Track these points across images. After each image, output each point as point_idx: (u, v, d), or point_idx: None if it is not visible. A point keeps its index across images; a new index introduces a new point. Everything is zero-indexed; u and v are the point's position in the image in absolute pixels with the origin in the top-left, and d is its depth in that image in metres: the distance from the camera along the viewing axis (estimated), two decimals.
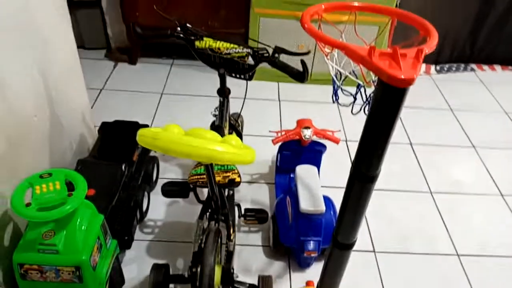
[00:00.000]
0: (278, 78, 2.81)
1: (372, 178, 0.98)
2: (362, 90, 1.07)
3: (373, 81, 1.01)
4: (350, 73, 1.10)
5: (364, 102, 1.03)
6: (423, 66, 3.11)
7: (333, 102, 1.16)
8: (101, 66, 2.87)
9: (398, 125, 2.56)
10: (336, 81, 1.09)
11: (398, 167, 2.28)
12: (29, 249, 1.25)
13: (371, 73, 0.94)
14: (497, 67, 3.25)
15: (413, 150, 2.40)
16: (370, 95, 0.97)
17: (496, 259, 1.84)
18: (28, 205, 1.19)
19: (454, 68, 3.18)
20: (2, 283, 1.31)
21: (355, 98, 1.07)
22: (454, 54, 3.16)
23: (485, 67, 3.23)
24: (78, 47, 1.86)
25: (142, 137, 0.95)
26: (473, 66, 3.22)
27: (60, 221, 1.25)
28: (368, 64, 0.83)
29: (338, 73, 1.14)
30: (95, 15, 2.84)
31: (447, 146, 2.46)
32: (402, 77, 0.79)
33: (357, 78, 1.07)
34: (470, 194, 2.15)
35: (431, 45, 0.90)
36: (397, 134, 2.49)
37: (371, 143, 0.93)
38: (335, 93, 1.13)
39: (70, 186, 1.26)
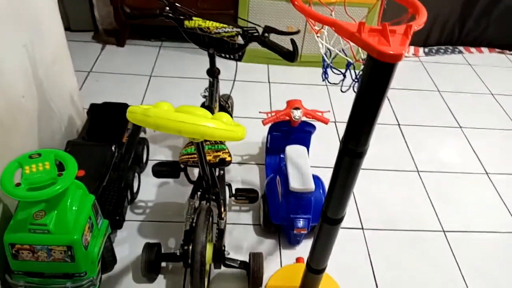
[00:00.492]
0: (269, 60, 2.81)
1: (361, 154, 1.00)
2: (352, 68, 1.08)
3: (362, 59, 1.02)
4: (340, 51, 1.11)
5: (353, 80, 1.03)
6: (412, 48, 3.13)
7: (323, 80, 1.16)
8: (89, 48, 2.83)
9: (386, 106, 2.59)
10: (326, 59, 1.10)
11: (386, 147, 2.31)
12: (20, 229, 1.25)
13: (361, 50, 0.95)
14: (485, 50, 3.28)
15: (401, 131, 2.43)
16: (359, 73, 0.98)
17: (480, 235, 1.90)
18: (17, 185, 1.18)
19: (442, 51, 3.20)
20: None
21: (344, 76, 1.08)
22: (443, 37, 3.18)
23: (473, 49, 3.26)
24: (65, 29, 1.83)
25: (132, 114, 0.95)
26: (461, 48, 3.24)
27: (51, 201, 1.25)
28: (358, 40, 0.83)
29: (328, 51, 1.15)
30: None
31: (434, 127, 2.49)
32: (391, 52, 0.80)
33: (347, 56, 1.08)
34: (456, 173, 2.20)
35: (420, 22, 0.91)
36: (385, 115, 2.53)
37: (360, 119, 0.94)
38: (324, 71, 1.14)
39: (60, 167, 1.26)
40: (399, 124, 2.48)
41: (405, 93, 2.75)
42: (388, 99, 2.67)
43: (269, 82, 2.70)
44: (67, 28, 2.83)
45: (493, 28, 3.16)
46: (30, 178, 1.20)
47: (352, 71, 1.10)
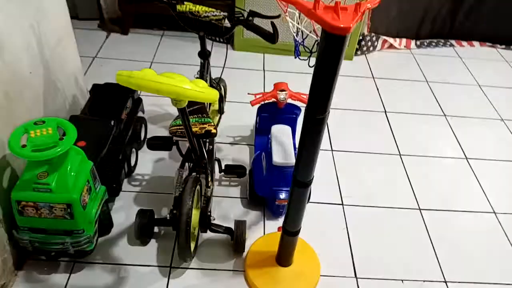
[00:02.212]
0: (264, 49, 2.95)
1: (321, 120, 1.13)
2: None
3: None
4: (310, 32, 1.24)
5: (310, 53, 1.17)
6: (404, 40, 3.24)
7: (295, 57, 1.30)
8: (94, 36, 2.99)
9: (374, 94, 2.72)
10: (296, 38, 1.23)
11: (371, 132, 2.44)
12: (26, 188, 1.40)
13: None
14: (476, 44, 3.38)
15: (387, 118, 2.55)
16: (313, 46, 1.11)
17: (454, 214, 2.02)
18: (23, 146, 1.34)
19: (434, 44, 3.31)
20: (1, 220, 1.47)
21: (311, 52, 1.21)
22: (434, 30, 3.28)
23: (464, 43, 3.36)
24: (72, 17, 1.98)
25: (120, 76, 1.10)
26: (453, 42, 3.35)
27: (53, 164, 1.41)
28: (313, 15, 0.97)
29: (300, 31, 1.28)
30: None
31: (419, 115, 2.61)
32: (341, 26, 0.93)
33: (317, 36, 1.21)
34: (437, 157, 2.32)
35: (373, 1, 1.04)
36: (373, 102, 2.65)
37: (319, 88, 1.08)
38: (296, 49, 1.27)
39: (63, 135, 1.41)
40: (385, 111, 2.60)
41: (394, 82, 2.87)
42: (377, 88, 2.80)
43: (263, 70, 2.83)
44: (75, 16, 3.00)
45: (484, 22, 3.25)
46: (34, 141, 1.35)
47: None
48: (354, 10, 0.98)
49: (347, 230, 1.88)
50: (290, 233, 1.49)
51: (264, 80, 2.75)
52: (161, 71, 1.16)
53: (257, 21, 1.54)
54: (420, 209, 2.01)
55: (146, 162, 2.08)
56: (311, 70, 1.09)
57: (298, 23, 1.24)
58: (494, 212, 2.04)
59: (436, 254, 1.82)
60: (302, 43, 1.25)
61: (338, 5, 0.96)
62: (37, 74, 1.69)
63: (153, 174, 2.03)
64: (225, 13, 1.55)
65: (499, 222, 2.00)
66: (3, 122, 1.45)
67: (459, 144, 2.42)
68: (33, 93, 1.67)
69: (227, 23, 1.59)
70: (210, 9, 1.56)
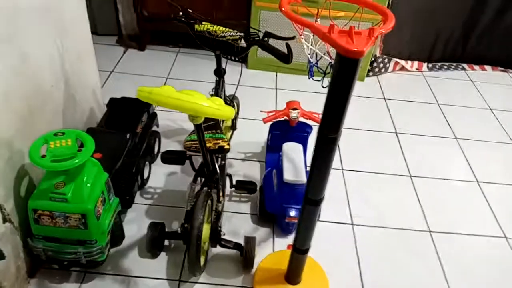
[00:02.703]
0: (277, 68, 3.00)
1: (334, 140, 1.15)
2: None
3: None
4: (324, 54, 1.28)
5: (323, 74, 1.20)
6: (416, 63, 3.27)
7: (309, 78, 1.33)
8: (112, 51, 3.08)
9: (385, 115, 2.74)
10: (310, 60, 1.27)
11: (382, 152, 2.45)
12: (43, 197, 1.44)
13: None
14: (488, 68, 3.39)
15: (398, 139, 2.56)
16: (326, 68, 1.15)
17: (464, 237, 2.01)
18: (43, 156, 1.38)
19: (445, 67, 3.33)
20: (17, 227, 1.51)
21: (324, 74, 1.25)
22: (446, 53, 3.31)
23: (476, 67, 3.38)
24: (92, 33, 2.06)
25: (141, 92, 1.14)
26: (464, 65, 3.37)
27: (70, 174, 1.45)
28: (328, 39, 1.00)
29: (314, 53, 1.32)
30: (108, 3, 3.05)
31: (430, 136, 2.62)
32: (354, 49, 0.97)
33: (331, 58, 1.25)
34: (448, 180, 2.32)
35: (387, 27, 1.08)
36: (384, 123, 2.67)
37: (332, 108, 1.11)
38: (310, 70, 1.31)
39: (80, 146, 1.45)
40: (396, 132, 2.61)
41: (405, 104, 2.89)
42: (388, 109, 2.82)
43: (276, 88, 2.88)
44: (94, 31, 3.08)
45: (496, 47, 3.27)
46: (54, 152, 1.40)
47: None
48: (368, 35, 1.01)
49: (356, 249, 1.88)
50: (300, 251, 1.50)
51: (276, 98, 2.79)
52: (176, 87, 1.20)
53: (271, 41, 1.58)
54: (430, 231, 2.01)
55: (159, 175, 2.11)
56: (323, 89, 1.12)
57: (313, 45, 1.28)
58: (506, 237, 2.03)
59: (446, 278, 1.81)
60: (316, 64, 1.28)
61: (353, 30, 1.00)
62: (58, 87, 1.75)
63: (165, 187, 2.06)
64: (242, 34, 1.60)
65: (510, 247, 1.98)
66: (24, 133, 1.50)
67: (470, 167, 2.41)
68: (53, 106, 1.72)
69: (243, 43, 1.63)
70: (227, 29, 1.61)
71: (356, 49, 0.97)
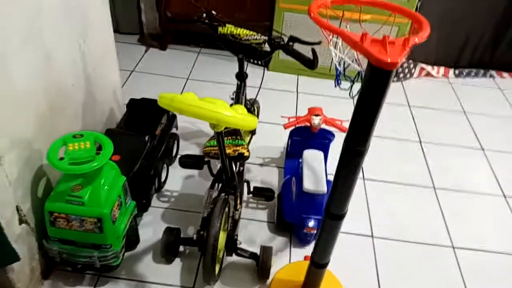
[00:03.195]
0: (298, 71, 2.94)
1: (361, 153, 1.10)
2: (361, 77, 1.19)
3: None
4: (352, 61, 1.22)
5: (351, 82, 1.15)
6: (442, 69, 3.17)
7: (335, 86, 1.28)
8: (134, 50, 3.07)
9: (409, 123, 2.66)
10: (338, 67, 1.22)
11: (404, 162, 2.37)
12: (59, 199, 1.42)
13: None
14: None
15: (422, 148, 2.48)
16: (355, 77, 1.09)
17: (489, 255, 1.92)
18: (61, 159, 1.36)
19: (473, 73, 3.22)
20: (34, 229, 1.49)
21: (353, 82, 1.19)
22: (474, 59, 3.20)
23: (505, 74, 3.26)
24: (114, 31, 2.04)
25: (162, 99, 1.10)
26: (493, 72, 3.25)
27: (88, 177, 1.43)
28: (360, 48, 0.95)
29: (342, 61, 1.26)
30: (131, 2, 3.04)
31: (456, 146, 2.53)
32: (388, 60, 0.91)
33: (359, 66, 1.19)
34: (474, 193, 2.23)
35: (422, 36, 1.01)
36: (407, 131, 2.59)
37: (361, 120, 1.05)
38: (337, 78, 1.25)
39: (98, 149, 1.43)
40: (420, 141, 2.53)
41: (430, 112, 2.80)
42: (412, 116, 2.73)
43: (297, 92, 2.82)
44: (116, 30, 3.07)
45: None
46: (72, 154, 1.38)
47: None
48: (402, 45, 0.96)
49: (375, 263, 1.82)
50: (318, 265, 1.45)
51: (297, 102, 2.73)
52: (196, 88, 1.16)
53: (295, 45, 1.53)
54: (453, 247, 1.93)
55: (176, 178, 2.08)
56: (345, 94, 1.06)
57: (340, 52, 1.22)
58: None
59: None
60: (343, 72, 1.23)
61: (387, 39, 0.94)
62: (79, 87, 1.73)
63: (182, 191, 2.03)
64: (265, 37, 1.56)
65: None
66: (44, 133, 1.49)
67: (497, 180, 2.32)
68: (74, 106, 1.71)
69: (266, 47, 1.58)
70: (251, 32, 1.57)
71: (389, 60, 0.91)
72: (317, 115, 1.91)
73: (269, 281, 1.68)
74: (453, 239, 1.96)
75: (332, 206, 1.25)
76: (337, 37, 1.11)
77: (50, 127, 1.53)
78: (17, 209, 1.38)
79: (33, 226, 1.49)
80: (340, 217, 1.27)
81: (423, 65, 3.09)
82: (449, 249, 1.92)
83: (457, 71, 3.21)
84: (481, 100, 2.98)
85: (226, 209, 1.55)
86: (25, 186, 1.42)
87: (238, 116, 1.12)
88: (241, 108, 1.15)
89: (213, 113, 1.09)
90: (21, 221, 1.41)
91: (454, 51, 3.16)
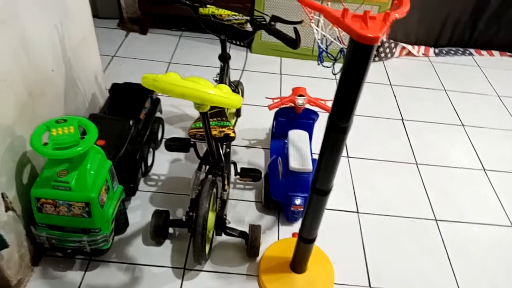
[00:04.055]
0: (281, 53, 2.94)
1: (344, 129, 1.12)
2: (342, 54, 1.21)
3: None
4: (334, 39, 1.24)
5: (334, 61, 1.16)
6: (422, 48, 3.21)
7: (318, 64, 1.29)
8: (114, 35, 3.02)
9: (391, 102, 2.70)
10: (321, 45, 1.23)
11: (388, 139, 2.41)
12: (45, 185, 1.41)
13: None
14: (496, 53, 3.33)
15: (404, 126, 2.53)
16: (337, 54, 1.11)
17: (470, 226, 1.99)
18: (45, 144, 1.35)
19: (452, 52, 3.27)
20: (20, 216, 1.48)
21: (335, 60, 1.21)
22: (454, 38, 3.24)
23: (484, 52, 3.32)
24: (93, 16, 2.00)
25: (145, 79, 1.10)
26: (472, 51, 3.30)
27: (73, 162, 1.42)
28: (341, 24, 0.96)
29: (325, 39, 1.28)
30: None
31: (437, 123, 2.58)
32: (369, 35, 0.92)
33: (341, 43, 1.21)
34: (454, 167, 2.29)
35: (402, 11, 1.03)
36: (390, 110, 2.63)
37: (344, 96, 1.07)
38: (320, 56, 1.27)
39: (83, 133, 1.42)
40: (402, 119, 2.58)
41: (411, 90, 2.85)
42: (394, 95, 2.77)
43: (280, 73, 2.83)
44: (95, 15, 3.02)
45: (504, 32, 3.21)
46: (56, 139, 1.36)
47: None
48: (382, 20, 0.97)
49: (361, 238, 1.87)
50: (306, 240, 1.48)
51: (281, 83, 2.74)
52: (179, 72, 1.15)
53: (278, 25, 1.53)
54: (436, 220, 1.99)
55: (163, 162, 2.09)
56: (328, 75, 1.08)
57: (322, 30, 1.23)
58: None
59: (452, 266, 1.79)
60: (325, 50, 1.24)
61: (367, 14, 0.95)
62: (60, 72, 1.71)
63: (169, 174, 2.04)
64: (248, 17, 1.55)
65: None
66: (26, 119, 1.47)
67: (477, 155, 2.38)
68: (55, 91, 1.69)
69: (248, 27, 1.58)
70: (233, 12, 1.56)
71: (371, 35, 0.93)
72: (301, 95, 1.93)
73: (258, 258, 1.71)
74: (436, 213, 2.02)
75: (318, 182, 1.28)
76: (319, 15, 1.12)
77: (31, 113, 1.51)
78: (3, 196, 1.37)
79: (20, 213, 1.48)
80: (325, 192, 1.30)
81: (404, 45, 3.13)
82: (432, 222, 1.98)
83: (437, 50, 3.25)
84: (461, 77, 3.04)
85: (214, 190, 1.56)
86: (10, 173, 1.41)
87: (222, 95, 1.13)
88: (225, 88, 1.16)
89: (197, 92, 1.09)
90: (7, 208, 1.40)
91: (434, 31, 3.19)
